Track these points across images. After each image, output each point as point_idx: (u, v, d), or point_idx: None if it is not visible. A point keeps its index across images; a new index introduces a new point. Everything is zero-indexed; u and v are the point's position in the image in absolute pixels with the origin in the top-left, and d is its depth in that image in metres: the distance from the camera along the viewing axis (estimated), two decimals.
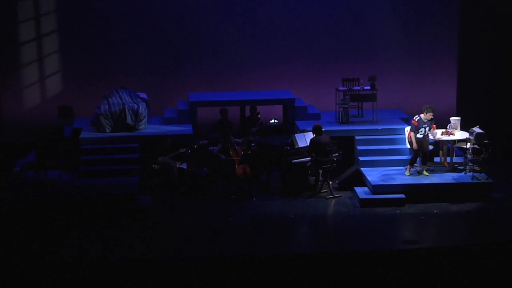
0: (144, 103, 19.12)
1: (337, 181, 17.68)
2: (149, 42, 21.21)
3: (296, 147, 17.60)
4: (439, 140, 17.58)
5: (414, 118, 17.09)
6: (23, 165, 17.39)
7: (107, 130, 18.50)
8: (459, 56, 21.04)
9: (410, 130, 17.11)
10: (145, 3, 20.99)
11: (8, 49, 20.78)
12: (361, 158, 17.96)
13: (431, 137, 17.27)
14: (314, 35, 21.47)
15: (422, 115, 17.00)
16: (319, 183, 17.31)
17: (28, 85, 21.23)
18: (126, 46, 21.18)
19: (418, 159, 17.21)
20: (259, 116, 19.48)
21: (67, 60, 21.25)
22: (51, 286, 12.96)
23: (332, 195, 17.08)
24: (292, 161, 17.38)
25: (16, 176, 17.27)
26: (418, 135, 16.99)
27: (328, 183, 17.20)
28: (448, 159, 17.77)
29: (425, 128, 17.02)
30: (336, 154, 17.22)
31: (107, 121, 18.51)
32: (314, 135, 17.14)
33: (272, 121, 19.24)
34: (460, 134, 17.53)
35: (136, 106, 18.72)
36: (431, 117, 17.03)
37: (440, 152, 17.93)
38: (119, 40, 21.16)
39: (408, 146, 17.46)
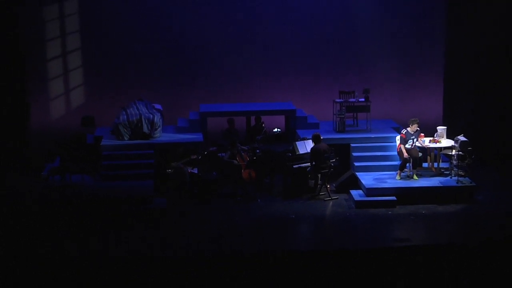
0: (159, 114, 19.10)
1: (334, 185, 17.61)
2: (164, 59, 21.20)
3: (297, 153, 17.56)
4: (427, 147, 17.52)
5: (402, 132, 17.16)
6: (49, 170, 17.41)
7: (125, 138, 18.49)
8: (444, 71, 21.00)
9: (400, 142, 17.13)
10: (162, 25, 21.01)
11: (37, 65, 20.79)
12: (356, 164, 17.90)
13: (418, 144, 17.23)
14: (313, 53, 21.45)
15: (408, 128, 17.07)
16: (318, 186, 17.27)
17: (54, 97, 21.24)
18: (143, 62, 21.18)
19: (408, 164, 17.15)
20: (263, 125, 19.45)
21: (89, 75, 21.25)
22: (69, 280, 12.90)
23: (330, 197, 17.03)
24: (293, 166, 17.33)
25: (43, 180, 17.27)
26: (407, 146, 16.98)
27: (326, 186, 17.16)
28: (435, 164, 17.72)
29: (412, 139, 17.06)
30: (334, 160, 17.20)
31: (125, 130, 18.50)
32: (314, 143, 17.09)
33: (275, 130, 19.20)
34: (446, 142, 17.49)
35: (151, 116, 18.70)
36: (417, 128, 17.11)
37: (428, 158, 17.88)
38: (137, 56, 21.17)
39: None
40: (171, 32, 21.09)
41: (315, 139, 17.09)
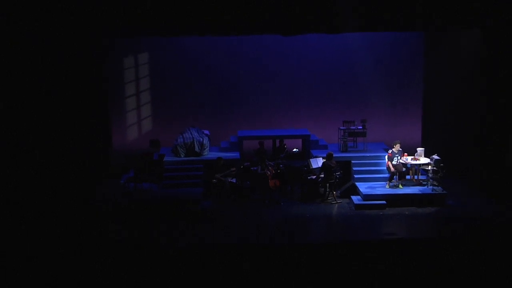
0: (207, 137, 19.26)
1: (339, 192, 17.59)
2: (212, 96, 21.36)
3: (310, 168, 17.59)
4: (409, 163, 17.45)
5: (389, 152, 17.17)
6: (126, 179, 17.61)
7: (182, 156, 18.67)
8: (423, 106, 20.92)
9: (388, 160, 17.11)
10: (210, 71, 21.16)
11: (117, 101, 21.06)
12: (355, 176, 17.87)
13: (402, 161, 17.18)
14: (324, 92, 21.48)
15: (393, 149, 17.06)
16: (327, 193, 17.25)
17: (130, 125, 21.49)
18: (196, 99, 21.33)
19: (395, 176, 17.09)
20: (285, 146, 19.52)
21: (156, 108, 21.45)
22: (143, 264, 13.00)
23: (336, 201, 17.03)
24: (308, 177, 17.34)
25: (121, 187, 17.48)
26: (393, 162, 16.95)
27: (333, 193, 17.15)
28: (416, 177, 17.61)
29: (397, 157, 17.03)
30: (338, 173, 17.19)
31: (181, 149, 18.69)
32: (327, 159, 17.10)
33: (294, 149, 19.25)
34: (424, 160, 17.42)
35: (201, 139, 18.88)
36: (399, 148, 17.05)
37: (410, 172, 17.77)
38: (192, 94, 21.30)
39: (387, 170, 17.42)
40: (216, 76, 21.30)
41: (328, 157, 17.14)
